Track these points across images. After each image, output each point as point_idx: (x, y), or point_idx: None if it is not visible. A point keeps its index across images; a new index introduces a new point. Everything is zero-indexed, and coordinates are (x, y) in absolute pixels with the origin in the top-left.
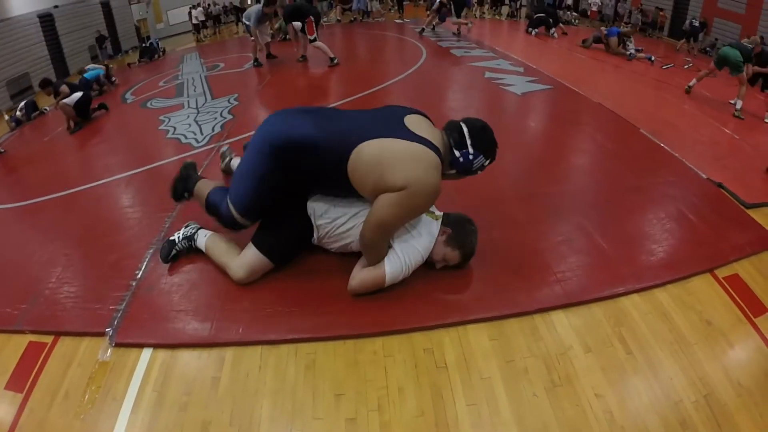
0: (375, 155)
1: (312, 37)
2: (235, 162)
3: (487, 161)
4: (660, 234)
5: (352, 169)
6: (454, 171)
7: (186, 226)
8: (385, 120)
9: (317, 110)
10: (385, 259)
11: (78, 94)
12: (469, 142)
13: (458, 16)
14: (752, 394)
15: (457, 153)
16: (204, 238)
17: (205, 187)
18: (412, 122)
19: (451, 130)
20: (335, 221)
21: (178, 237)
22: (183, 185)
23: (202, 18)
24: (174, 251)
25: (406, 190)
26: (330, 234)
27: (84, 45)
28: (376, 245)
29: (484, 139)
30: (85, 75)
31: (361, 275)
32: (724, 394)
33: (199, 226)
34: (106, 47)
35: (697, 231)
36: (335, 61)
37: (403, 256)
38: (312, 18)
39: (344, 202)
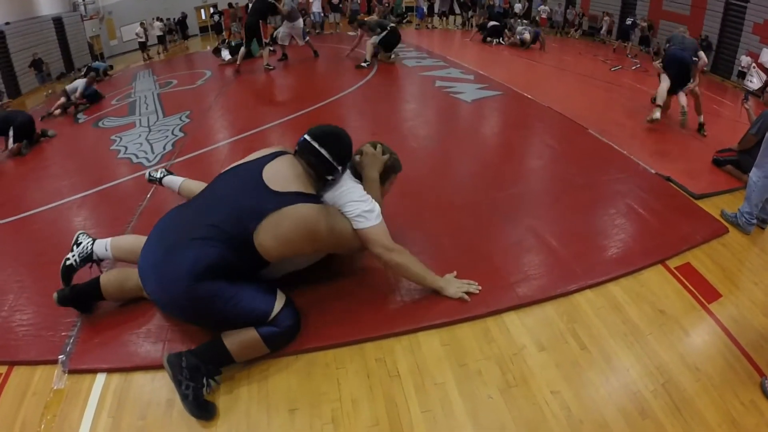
0: (276, 243)
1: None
2: (170, 179)
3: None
4: (610, 229)
5: (268, 255)
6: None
7: (77, 244)
8: (247, 192)
9: (174, 222)
10: (356, 225)
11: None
12: (334, 163)
13: (388, 51)
14: (711, 378)
15: (330, 177)
16: (107, 251)
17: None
18: (271, 177)
19: (313, 162)
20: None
21: (75, 260)
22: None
23: (160, 33)
24: (73, 275)
25: (315, 234)
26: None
27: None
28: (349, 244)
29: (343, 149)
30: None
31: (376, 247)
32: (683, 379)
33: (92, 240)
34: (45, 70)
35: (647, 224)
36: None
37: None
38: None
39: None
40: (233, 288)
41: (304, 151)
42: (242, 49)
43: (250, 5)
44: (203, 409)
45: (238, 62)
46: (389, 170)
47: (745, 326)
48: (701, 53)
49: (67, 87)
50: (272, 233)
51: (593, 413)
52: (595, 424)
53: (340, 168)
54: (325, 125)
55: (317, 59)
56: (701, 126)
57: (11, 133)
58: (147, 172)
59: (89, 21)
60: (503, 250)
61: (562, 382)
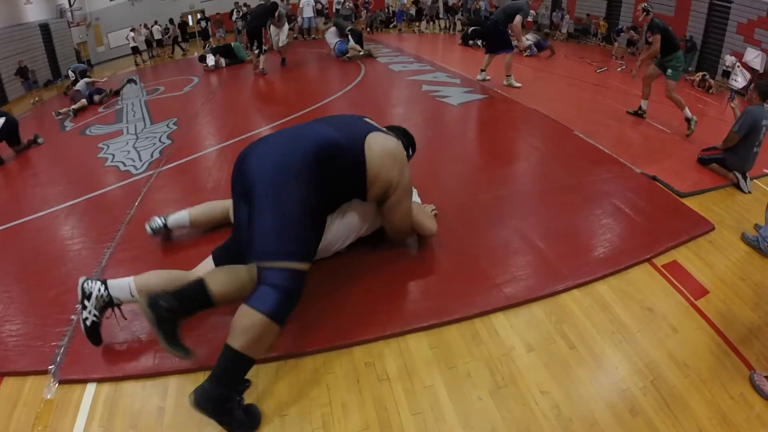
0: (382, 149)
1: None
2: (174, 218)
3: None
4: (597, 229)
5: (369, 163)
6: None
7: (87, 297)
8: (358, 120)
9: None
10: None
11: None
12: (410, 149)
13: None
14: (700, 373)
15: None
16: (133, 297)
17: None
18: (372, 123)
19: (401, 136)
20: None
21: (95, 315)
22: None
23: (159, 37)
24: (100, 329)
25: (403, 187)
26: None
27: None
28: (409, 229)
29: (412, 140)
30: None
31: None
32: (672, 376)
33: (100, 282)
34: (31, 78)
35: (633, 223)
36: None
37: None
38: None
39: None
40: (319, 211)
41: (392, 128)
42: (262, 56)
43: (237, 12)
44: (251, 424)
45: (260, 64)
46: None
47: (732, 321)
48: (517, 17)
49: (79, 87)
50: (382, 143)
51: (583, 412)
52: (585, 422)
53: (411, 154)
54: None
55: (303, 65)
56: (690, 127)
57: None
58: (146, 227)
59: (76, 27)
60: (491, 252)
61: (551, 382)
